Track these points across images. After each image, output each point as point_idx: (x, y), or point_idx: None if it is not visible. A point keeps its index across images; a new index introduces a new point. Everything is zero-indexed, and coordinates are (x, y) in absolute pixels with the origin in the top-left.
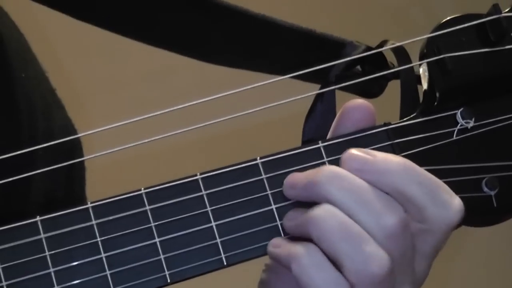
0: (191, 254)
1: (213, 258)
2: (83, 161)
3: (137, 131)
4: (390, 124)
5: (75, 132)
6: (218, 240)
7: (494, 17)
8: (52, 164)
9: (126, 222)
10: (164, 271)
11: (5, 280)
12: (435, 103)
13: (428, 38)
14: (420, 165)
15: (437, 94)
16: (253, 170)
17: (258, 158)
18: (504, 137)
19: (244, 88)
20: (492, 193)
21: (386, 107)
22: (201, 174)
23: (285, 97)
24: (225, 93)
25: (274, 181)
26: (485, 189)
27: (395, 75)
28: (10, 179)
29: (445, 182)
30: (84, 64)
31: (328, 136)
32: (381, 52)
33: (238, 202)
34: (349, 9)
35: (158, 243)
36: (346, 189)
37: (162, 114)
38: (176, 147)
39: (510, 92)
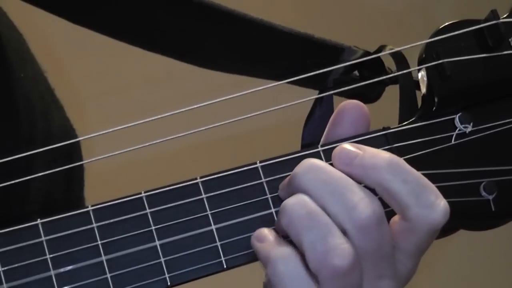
0: (191, 257)
1: (213, 261)
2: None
3: (137, 134)
4: (389, 128)
5: (73, 132)
6: (218, 243)
7: (492, 23)
8: (51, 164)
9: (126, 225)
10: (165, 274)
11: (6, 283)
12: (434, 108)
13: (427, 43)
14: (419, 169)
15: (436, 99)
16: (253, 173)
17: (258, 162)
18: (502, 141)
19: (244, 92)
20: (490, 197)
21: (385, 112)
22: (201, 177)
23: (285, 101)
24: (225, 98)
25: (274, 185)
26: (483, 193)
27: (393, 80)
28: (9, 182)
29: (443, 186)
30: (83, 64)
31: (323, 137)
32: (379, 57)
33: (238, 205)
34: (348, 14)
35: (158, 246)
36: (322, 180)
37: (162, 118)
38: (176, 150)
39: (508, 97)
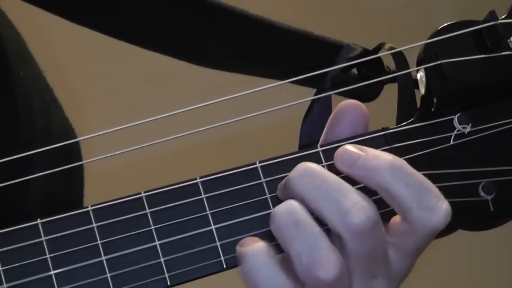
0: (191, 256)
1: (213, 261)
2: (81, 160)
3: (136, 134)
4: (388, 129)
5: (73, 131)
6: (218, 243)
7: (490, 24)
8: (50, 163)
9: (126, 225)
10: (164, 274)
11: (6, 282)
12: (433, 109)
13: (426, 44)
14: (417, 169)
15: (435, 100)
16: (252, 174)
17: (257, 162)
18: (501, 142)
19: (243, 93)
20: (489, 197)
21: (383, 112)
22: (200, 177)
23: (284, 102)
24: (224, 98)
25: (273, 185)
26: (482, 193)
27: (391, 79)
28: (8, 182)
29: (442, 186)
30: (82, 63)
31: (322, 136)
32: (378, 56)
33: (238, 205)
34: (347, 13)
35: (158, 246)
36: (316, 184)
37: (162, 118)
38: (175, 151)
39: (506, 98)
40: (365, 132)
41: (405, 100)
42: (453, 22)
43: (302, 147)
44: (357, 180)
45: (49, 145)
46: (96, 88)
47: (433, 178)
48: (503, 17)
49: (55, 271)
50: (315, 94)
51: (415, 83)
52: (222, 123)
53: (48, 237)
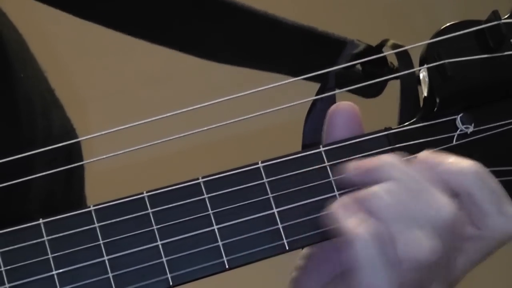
0: (193, 257)
1: (215, 261)
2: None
3: (138, 134)
4: (390, 129)
5: (74, 132)
6: (220, 243)
7: (493, 24)
8: (51, 162)
9: (128, 225)
10: (166, 274)
11: (8, 283)
12: (435, 109)
13: (428, 44)
14: None
15: (437, 100)
16: (254, 174)
17: (260, 162)
18: (503, 142)
19: (246, 92)
20: None
21: (385, 110)
22: (203, 177)
23: (286, 101)
24: (227, 98)
25: (276, 185)
26: None
27: (394, 77)
28: (9, 183)
29: None
30: (83, 63)
31: (322, 137)
32: (381, 52)
33: (240, 205)
34: (350, 11)
35: (160, 246)
36: (409, 173)
37: (164, 118)
38: (177, 151)
39: (509, 98)
40: (366, 133)
41: (408, 100)
42: (455, 22)
43: (305, 146)
44: (436, 183)
45: (50, 146)
46: (97, 88)
47: None
48: (506, 16)
49: (57, 271)
50: (318, 90)
51: (418, 82)
52: (224, 123)
53: (50, 237)
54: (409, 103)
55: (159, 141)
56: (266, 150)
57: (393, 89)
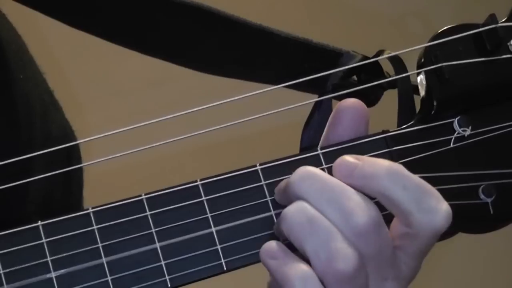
0: (191, 259)
1: (213, 263)
2: (80, 162)
3: (137, 137)
4: (388, 131)
5: (73, 134)
6: (218, 246)
7: (490, 27)
8: (49, 165)
9: (127, 228)
10: (165, 276)
11: (7, 284)
12: (433, 111)
13: (426, 47)
14: (417, 172)
15: (435, 103)
16: (252, 176)
17: (258, 164)
18: (501, 145)
19: (244, 96)
20: (489, 200)
21: (384, 116)
22: (201, 180)
23: (284, 105)
24: (225, 101)
25: (274, 188)
26: (482, 196)
27: (391, 85)
28: (8, 185)
29: (442, 189)
30: (82, 65)
31: (322, 137)
32: (377, 62)
33: (238, 208)
34: (347, 19)
35: (158, 248)
36: (318, 188)
37: (163, 121)
38: (176, 153)
39: (506, 101)
40: (365, 135)
41: (405, 104)
42: (453, 25)
43: (302, 150)
44: (358, 190)
45: (49, 148)
46: (96, 88)
47: (433, 181)
48: (503, 20)
49: (55, 274)
50: (317, 102)
51: (415, 88)
52: (222, 125)
53: (48, 239)
54: (406, 108)
55: (157, 144)
56: (265, 153)
57: (392, 96)
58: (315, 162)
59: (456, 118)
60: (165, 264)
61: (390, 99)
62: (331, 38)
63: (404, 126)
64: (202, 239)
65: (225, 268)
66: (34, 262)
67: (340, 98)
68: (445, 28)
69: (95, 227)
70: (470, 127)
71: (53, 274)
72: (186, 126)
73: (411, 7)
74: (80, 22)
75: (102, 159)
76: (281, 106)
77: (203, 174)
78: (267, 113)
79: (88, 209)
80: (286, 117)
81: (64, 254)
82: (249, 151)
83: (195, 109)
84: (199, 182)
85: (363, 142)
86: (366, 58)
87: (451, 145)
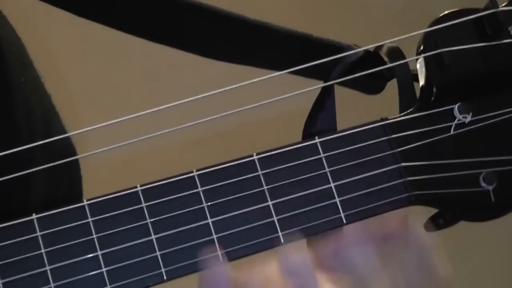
0: (187, 250)
1: (210, 255)
2: (79, 161)
3: (132, 129)
4: (387, 119)
5: (71, 139)
6: (215, 237)
7: (491, 12)
8: (49, 168)
9: (122, 219)
10: (161, 268)
11: (2, 278)
12: (432, 98)
13: (425, 32)
14: (417, 160)
15: (434, 89)
16: (249, 166)
17: (255, 154)
18: (501, 131)
19: (241, 84)
20: (490, 188)
21: (385, 106)
22: (197, 170)
23: (282, 94)
24: (222, 90)
25: (271, 177)
26: (483, 184)
27: (393, 75)
28: (7, 177)
29: (442, 177)
30: (75, 61)
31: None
32: (379, 55)
33: (235, 198)
34: (347, 13)
35: (154, 240)
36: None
37: (159, 111)
38: (172, 144)
39: (507, 87)
40: (362, 124)
41: (405, 92)
42: (453, 10)
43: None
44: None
45: (49, 151)
46: (93, 90)
47: (433, 169)
48: (503, 5)
49: (50, 266)
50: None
51: (415, 76)
52: (219, 115)
53: (43, 232)
54: (406, 95)
55: (152, 135)
56: (261, 143)
57: (393, 86)
58: (312, 151)
59: (457, 105)
60: (160, 255)
61: (391, 90)
62: (331, 33)
63: (403, 113)
64: (198, 230)
65: (221, 260)
66: (29, 255)
67: (343, 85)
68: (445, 13)
69: (90, 219)
70: (470, 114)
71: (48, 267)
72: (181, 117)
73: (412, 1)
74: (90, 13)
75: (98, 150)
76: (278, 95)
77: (199, 165)
78: (265, 101)
79: (83, 201)
80: (283, 106)
81: (59, 247)
82: (245, 141)
83: (190, 99)
84: (195, 173)
85: (361, 130)
86: (367, 52)
87: (452, 132)
